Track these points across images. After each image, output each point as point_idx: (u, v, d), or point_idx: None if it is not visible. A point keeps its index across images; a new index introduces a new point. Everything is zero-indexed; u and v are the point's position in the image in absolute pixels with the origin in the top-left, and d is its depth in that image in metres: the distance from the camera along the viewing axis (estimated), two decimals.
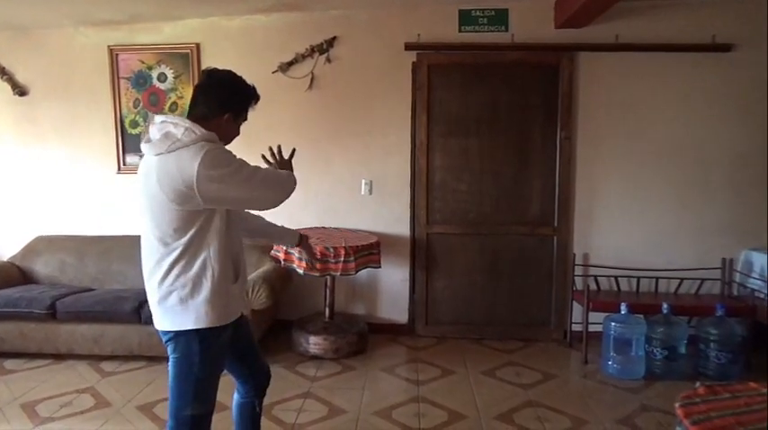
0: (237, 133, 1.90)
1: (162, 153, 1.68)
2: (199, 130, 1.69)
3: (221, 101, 1.79)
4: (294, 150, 2.08)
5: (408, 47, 4.06)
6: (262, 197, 1.80)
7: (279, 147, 2.05)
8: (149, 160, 1.73)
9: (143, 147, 1.75)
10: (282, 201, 1.86)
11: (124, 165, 4.42)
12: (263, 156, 2.03)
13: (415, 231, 4.25)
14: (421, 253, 4.26)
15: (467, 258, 4.23)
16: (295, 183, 1.93)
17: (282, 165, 2.02)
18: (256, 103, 1.88)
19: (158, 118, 1.76)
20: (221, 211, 1.78)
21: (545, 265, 4.18)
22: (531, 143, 4.12)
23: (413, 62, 4.11)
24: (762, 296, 3.60)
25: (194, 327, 1.76)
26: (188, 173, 1.64)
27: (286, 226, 4.12)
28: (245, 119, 1.89)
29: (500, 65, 4.07)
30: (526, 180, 4.15)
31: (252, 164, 1.78)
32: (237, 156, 1.75)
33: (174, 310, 1.76)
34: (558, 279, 4.15)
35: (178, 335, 1.78)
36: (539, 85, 4.08)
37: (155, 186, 1.68)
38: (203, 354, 1.78)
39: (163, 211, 1.70)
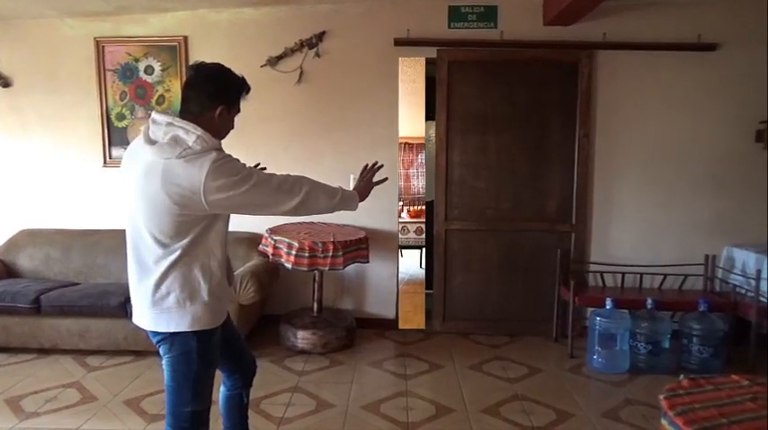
0: (232, 126, 1.87)
1: (174, 158, 1.64)
2: (209, 139, 1.68)
3: (212, 94, 1.75)
4: (378, 173, 2.10)
5: (398, 42, 4.06)
6: (274, 202, 1.77)
7: (376, 166, 2.09)
8: (150, 161, 1.67)
9: (145, 148, 1.68)
10: (309, 212, 1.87)
11: (110, 158, 4.37)
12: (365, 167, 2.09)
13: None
14: (439, 249, 4.26)
15: (484, 254, 4.23)
16: (341, 203, 1.91)
17: (363, 184, 2.04)
18: (248, 93, 1.85)
19: (162, 118, 1.71)
20: (225, 217, 1.79)
21: (563, 261, 4.15)
22: (549, 139, 4.15)
23: (437, 58, 4.10)
24: (743, 292, 3.67)
25: (191, 329, 1.75)
26: (196, 182, 1.62)
27: (278, 219, 4.11)
28: (239, 110, 1.87)
29: (520, 62, 4.08)
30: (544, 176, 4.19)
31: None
32: (246, 165, 1.75)
33: (170, 312, 1.74)
34: (579, 274, 4.14)
35: (174, 336, 1.76)
36: (556, 83, 4.10)
37: (158, 190, 1.64)
38: (201, 352, 1.77)
39: (165, 214, 1.67)
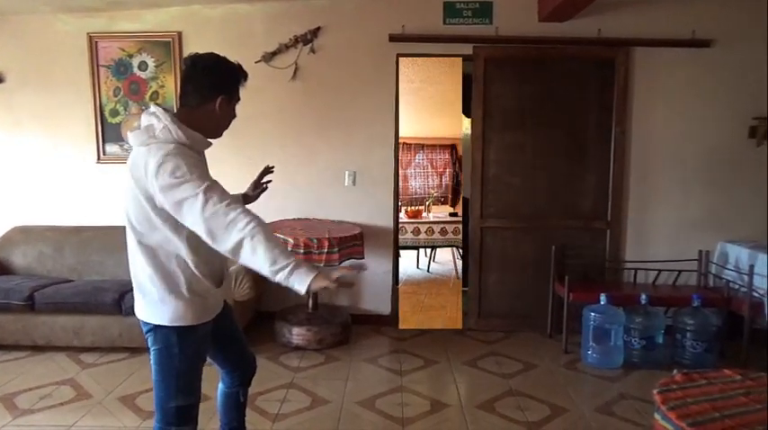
0: (234, 115, 1.85)
1: (139, 145, 1.66)
2: (176, 132, 1.65)
3: (212, 84, 1.75)
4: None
5: (392, 38, 4.05)
6: (206, 229, 1.55)
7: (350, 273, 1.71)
8: (133, 149, 1.71)
9: (128, 134, 1.73)
10: (246, 263, 1.58)
11: (104, 154, 4.35)
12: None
13: (397, 222, 4.28)
14: (474, 246, 4.25)
15: (520, 252, 4.21)
16: (282, 272, 1.56)
17: (327, 272, 1.61)
18: (246, 80, 1.83)
19: (152, 108, 1.72)
20: None
21: (598, 259, 4.19)
22: (584, 136, 4.14)
23: (473, 55, 4.09)
24: (736, 287, 3.69)
25: (171, 324, 1.75)
26: (150, 172, 1.60)
27: (273, 215, 4.10)
28: (239, 98, 1.85)
29: (555, 58, 4.07)
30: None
31: (223, 190, 1.61)
32: (205, 178, 1.60)
33: (153, 303, 1.74)
34: (610, 272, 4.17)
35: (156, 328, 1.77)
36: (592, 79, 4.10)
37: (129, 177, 1.67)
38: (182, 347, 1.77)
39: (135, 203, 1.68)
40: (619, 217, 4.17)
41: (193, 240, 1.69)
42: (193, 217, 1.57)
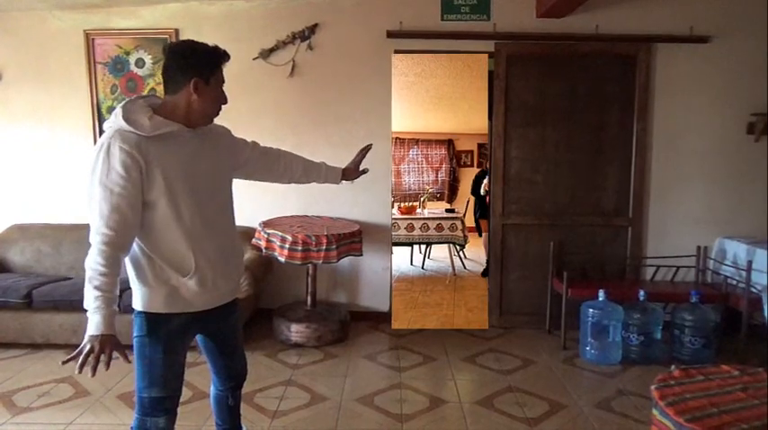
0: (223, 99, 1.82)
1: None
2: (117, 117, 1.66)
3: (183, 69, 1.72)
4: None
5: (390, 35, 4.04)
6: (91, 225, 1.67)
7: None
8: None
9: None
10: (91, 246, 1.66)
11: None
12: None
13: (389, 219, 4.27)
14: (495, 244, 4.24)
15: (542, 249, 4.18)
16: (86, 298, 1.64)
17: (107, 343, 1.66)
18: (226, 60, 1.80)
19: (133, 98, 1.77)
20: (166, 199, 1.71)
21: (619, 256, 4.19)
22: (604, 133, 4.13)
23: (495, 52, 4.07)
24: (734, 283, 3.69)
25: (141, 310, 1.78)
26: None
27: (271, 212, 4.09)
28: (223, 80, 1.81)
29: (578, 55, 4.05)
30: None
31: (112, 212, 1.63)
32: (112, 191, 1.62)
33: (133, 287, 1.78)
34: (632, 269, 4.17)
35: (135, 315, 1.80)
36: (613, 76, 4.08)
37: None
38: (152, 336, 1.78)
39: None
40: (640, 214, 4.16)
41: (147, 227, 1.72)
42: (89, 210, 1.68)
